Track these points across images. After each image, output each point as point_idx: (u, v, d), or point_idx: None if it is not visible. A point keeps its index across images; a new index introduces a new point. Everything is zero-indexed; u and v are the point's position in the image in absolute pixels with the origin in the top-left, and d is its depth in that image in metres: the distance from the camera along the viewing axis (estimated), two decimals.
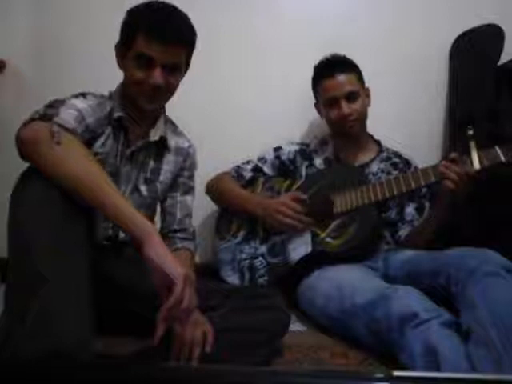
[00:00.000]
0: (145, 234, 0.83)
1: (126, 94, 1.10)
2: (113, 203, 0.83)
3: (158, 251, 0.82)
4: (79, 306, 0.77)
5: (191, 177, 1.27)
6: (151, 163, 1.16)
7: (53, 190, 0.82)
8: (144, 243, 0.82)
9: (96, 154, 1.04)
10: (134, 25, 1.03)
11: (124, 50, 1.05)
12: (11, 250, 0.81)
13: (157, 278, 0.81)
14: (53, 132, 0.85)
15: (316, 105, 1.56)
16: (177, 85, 1.10)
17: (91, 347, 0.77)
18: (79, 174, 0.83)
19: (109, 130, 1.07)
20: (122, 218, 0.83)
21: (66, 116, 0.93)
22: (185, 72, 1.13)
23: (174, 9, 1.05)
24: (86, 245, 0.84)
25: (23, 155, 0.88)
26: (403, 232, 1.44)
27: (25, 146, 0.86)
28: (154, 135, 1.14)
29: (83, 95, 1.04)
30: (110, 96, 1.12)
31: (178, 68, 1.06)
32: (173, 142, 1.21)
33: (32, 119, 0.90)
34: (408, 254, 1.34)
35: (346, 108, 1.42)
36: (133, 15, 1.05)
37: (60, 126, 0.88)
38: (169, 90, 1.08)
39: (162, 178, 1.18)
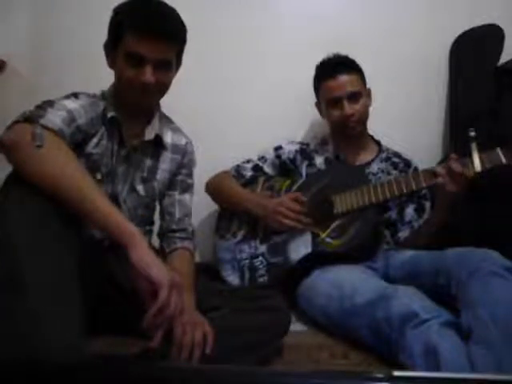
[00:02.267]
0: (130, 238, 0.82)
1: (118, 93, 1.09)
2: (96, 208, 0.82)
3: (143, 257, 0.81)
4: (66, 308, 0.75)
5: (190, 174, 1.25)
6: (148, 162, 1.15)
7: (37, 190, 0.81)
8: (129, 248, 0.81)
9: (90, 154, 1.03)
10: (121, 23, 1.01)
11: (113, 49, 1.04)
12: None
13: (142, 283, 0.81)
14: (34, 134, 0.83)
15: (317, 104, 1.56)
16: (169, 81, 1.07)
17: (80, 350, 0.75)
18: (60, 178, 0.82)
19: (102, 130, 1.06)
20: (105, 223, 0.82)
21: (53, 117, 0.91)
22: (177, 69, 1.11)
23: (161, 4, 1.03)
24: (73, 244, 0.82)
25: (7, 159, 0.86)
26: (402, 234, 1.44)
27: (6, 150, 0.85)
28: (149, 134, 1.12)
29: (75, 95, 1.03)
30: (103, 96, 1.10)
31: (168, 65, 1.04)
32: (169, 139, 1.19)
33: (16, 122, 0.88)
34: (408, 253, 1.33)
35: (348, 109, 1.41)
36: (119, 13, 1.02)
37: (44, 127, 0.87)
38: (161, 88, 1.06)
39: (159, 176, 1.17)
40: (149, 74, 1.00)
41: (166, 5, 1.03)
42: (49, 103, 0.95)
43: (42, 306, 0.72)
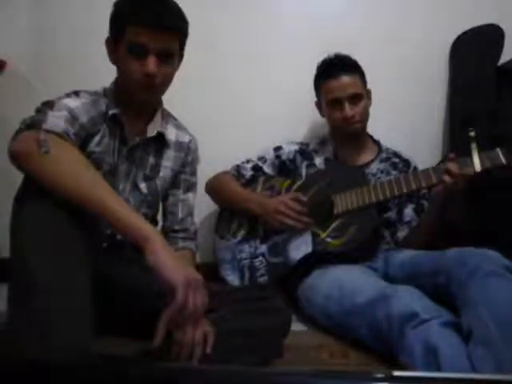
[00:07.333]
0: (144, 239, 0.80)
1: (120, 88, 1.08)
2: (110, 208, 0.80)
3: (157, 260, 0.79)
4: (79, 311, 0.76)
5: (193, 173, 1.25)
6: (151, 159, 1.15)
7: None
8: (144, 249, 0.80)
9: (92, 152, 1.03)
10: (121, 16, 1.01)
11: (115, 43, 1.03)
12: (12, 253, 0.80)
13: (161, 283, 0.80)
14: (39, 141, 0.82)
15: (317, 103, 1.56)
16: (171, 75, 1.06)
17: (91, 353, 0.76)
18: (72, 181, 0.82)
19: (104, 128, 1.05)
20: (120, 224, 0.81)
21: (56, 119, 0.90)
22: (179, 62, 1.10)
23: None
24: (87, 246, 0.83)
25: (17, 169, 0.86)
26: (401, 234, 1.44)
27: (15, 160, 0.85)
28: (152, 131, 1.12)
29: (76, 93, 1.02)
30: (105, 93, 1.09)
31: (170, 56, 1.03)
32: (173, 136, 1.18)
33: (20, 130, 0.88)
34: (408, 253, 1.33)
35: (349, 110, 1.41)
36: (119, 7, 1.03)
37: (48, 131, 0.86)
38: (164, 80, 1.04)
39: (161, 174, 1.17)
40: (152, 65, 0.99)
41: None
42: (48, 105, 0.94)
43: (55, 310, 0.73)
